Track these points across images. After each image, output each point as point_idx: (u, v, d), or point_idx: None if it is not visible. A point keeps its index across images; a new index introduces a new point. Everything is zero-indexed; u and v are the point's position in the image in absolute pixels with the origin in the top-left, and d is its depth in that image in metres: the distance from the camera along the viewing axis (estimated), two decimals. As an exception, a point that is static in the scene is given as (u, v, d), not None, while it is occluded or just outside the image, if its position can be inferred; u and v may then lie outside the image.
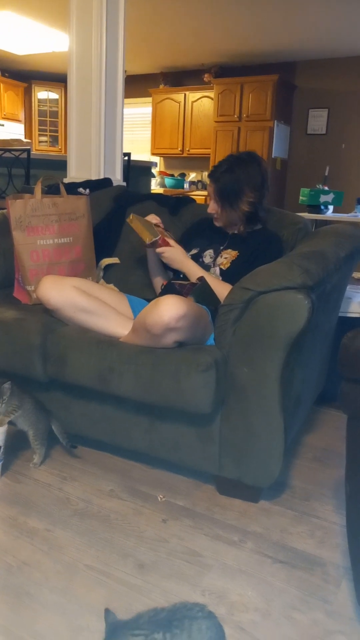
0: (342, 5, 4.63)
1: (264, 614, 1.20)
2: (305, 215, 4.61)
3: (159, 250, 1.85)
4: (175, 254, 1.85)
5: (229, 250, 1.91)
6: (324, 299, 1.64)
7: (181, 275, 1.90)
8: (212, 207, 1.92)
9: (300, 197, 4.87)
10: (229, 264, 1.87)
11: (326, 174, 5.66)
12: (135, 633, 0.95)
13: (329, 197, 4.72)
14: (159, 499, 1.62)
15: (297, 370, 1.62)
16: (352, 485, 1.11)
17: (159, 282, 2.04)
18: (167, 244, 1.85)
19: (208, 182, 1.93)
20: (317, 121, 6.67)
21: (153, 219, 1.92)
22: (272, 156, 6.51)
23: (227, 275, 1.84)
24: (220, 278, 1.86)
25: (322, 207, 4.77)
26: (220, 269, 1.87)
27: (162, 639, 0.95)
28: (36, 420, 1.72)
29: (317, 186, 5.13)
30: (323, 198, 4.72)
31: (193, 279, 1.82)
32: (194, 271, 1.83)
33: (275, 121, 6.45)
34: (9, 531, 1.43)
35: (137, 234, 1.87)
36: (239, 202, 1.85)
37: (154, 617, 0.98)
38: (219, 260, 1.90)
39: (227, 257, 1.89)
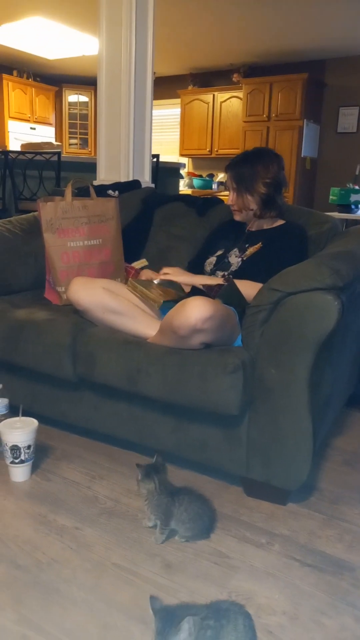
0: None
1: (291, 618, 1.19)
2: (336, 214, 4.56)
3: (163, 273, 1.91)
4: (178, 270, 1.92)
5: (254, 246, 1.92)
6: (355, 300, 1.62)
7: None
8: (231, 198, 1.98)
9: (331, 197, 4.82)
10: (250, 255, 1.88)
11: (357, 172, 5.58)
12: (202, 616, 0.95)
13: (360, 197, 4.67)
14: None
15: (326, 371, 1.60)
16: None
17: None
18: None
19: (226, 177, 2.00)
20: (348, 119, 6.58)
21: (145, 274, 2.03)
22: (302, 155, 6.45)
23: (247, 264, 1.84)
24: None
25: (353, 207, 4.71)
26: (242, 260, 1.88)
27: (215, 627, 0.95)
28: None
29: (348, 185, 5.07)
30: (354, 197, 4.66)
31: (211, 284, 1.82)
32: (207, 279, 1.86)
33: (305, 120, 6.38)
34: (39, 528, 1.46)
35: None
36: (254, 184, 1.90)
37: (195, 609, 0.98)
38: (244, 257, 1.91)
39: (251, 251, 1.91)
